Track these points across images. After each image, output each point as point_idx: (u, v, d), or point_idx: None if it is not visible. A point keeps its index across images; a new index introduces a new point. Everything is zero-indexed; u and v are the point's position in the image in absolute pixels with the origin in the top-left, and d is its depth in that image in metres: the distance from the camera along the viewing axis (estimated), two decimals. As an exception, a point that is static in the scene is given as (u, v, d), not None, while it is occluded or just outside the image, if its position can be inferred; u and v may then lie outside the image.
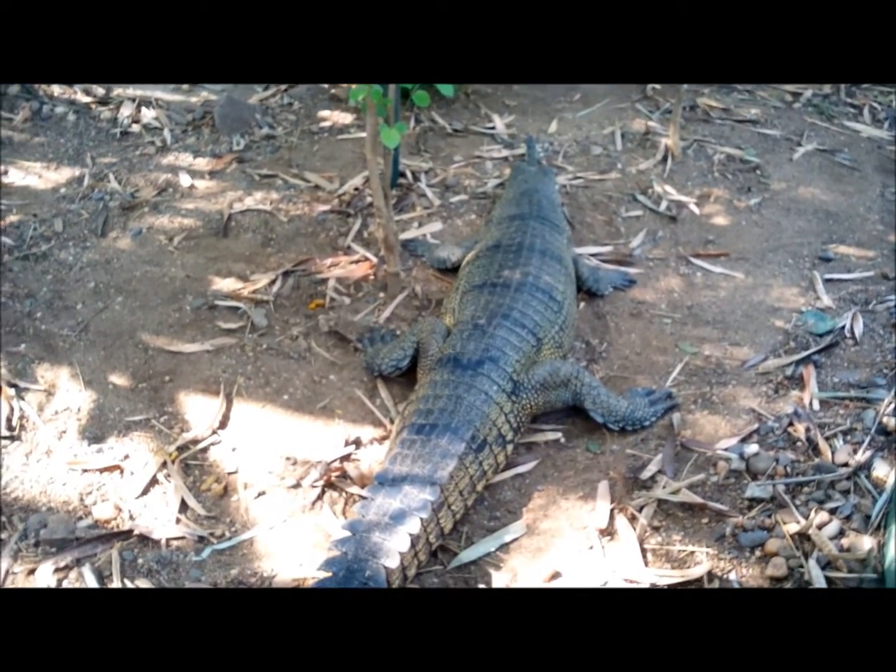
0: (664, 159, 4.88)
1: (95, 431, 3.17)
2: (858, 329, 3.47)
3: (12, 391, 3.26)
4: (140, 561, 2.70)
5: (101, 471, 3.02)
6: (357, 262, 4.07)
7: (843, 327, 3.50)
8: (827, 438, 2.92)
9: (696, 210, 4.48)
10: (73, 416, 3.22)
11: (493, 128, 5.29)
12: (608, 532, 2.76)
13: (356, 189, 4.58)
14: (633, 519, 2.78)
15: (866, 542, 2.47)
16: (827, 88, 5.76)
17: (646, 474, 2.94)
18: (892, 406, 2.97)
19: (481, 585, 2.64)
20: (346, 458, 3.09)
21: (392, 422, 3.22)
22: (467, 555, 2.73)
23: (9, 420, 3.17)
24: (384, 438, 3.17)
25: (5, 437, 3.11)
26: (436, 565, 2.71)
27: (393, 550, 2.45)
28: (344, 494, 2.96)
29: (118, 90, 5.51)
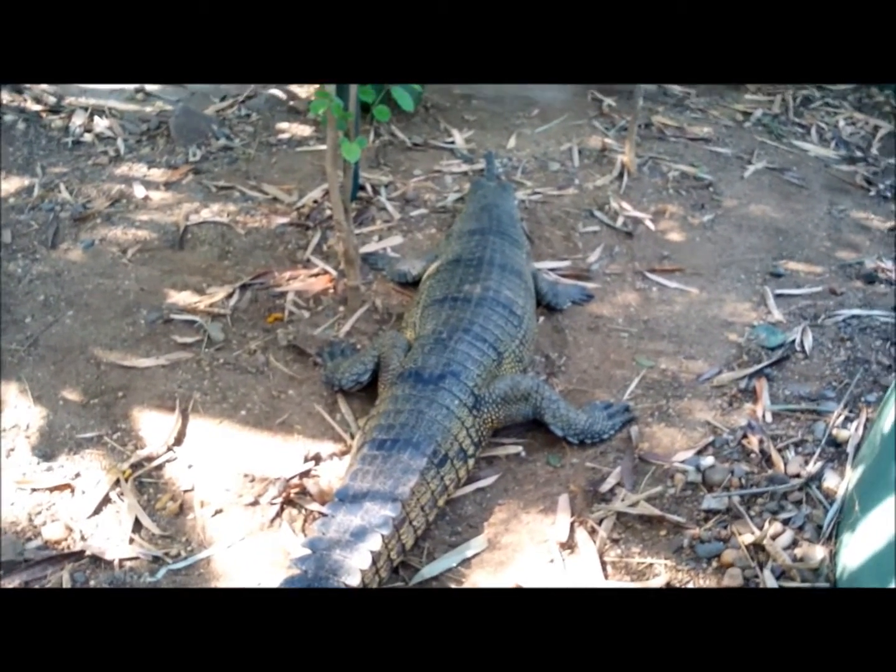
0: (620, 176, 4.96)
1: (45, 449, 3.07)
2: (808, 343, 3.57)
3: (-43, 408, 3.15)
4: (92, 583, 2.62)
5: (52, 490, 2.93)
6: (316, 275, 4.05)
7: (794, 341, 3.59)
8: (779, 450, 2.99)
9: (651, 226, 4.56)
10: (22, 434, 3.12)
11: (452, 142, 5.32)
12: (568, 545, 2.77)
13: (315, 202, 4.55)
14: (592, 532, 2.80)
15: (819, 552, 2.53)
16: (776, 108, 5.95)
17: (605, 487, 2.97)
18: (842, 418, 3.06)
19: (443, 601, 2.63)
20: (306, 474, 3.05)
21: (352, 437, 3.19)
22: (429, 570, 2.72)
23: (-47, 438, 3.06)
24: (344, 454, 3.14)
25: (-51, 456, 3.00)
26: (397, 582, 2.69)
27: (354, 568, 2.43)
28: (303, 511, 2.92)
29: (70, 99, 5.39)
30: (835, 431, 3.01)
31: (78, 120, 5.15)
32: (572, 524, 2.84)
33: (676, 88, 6.17)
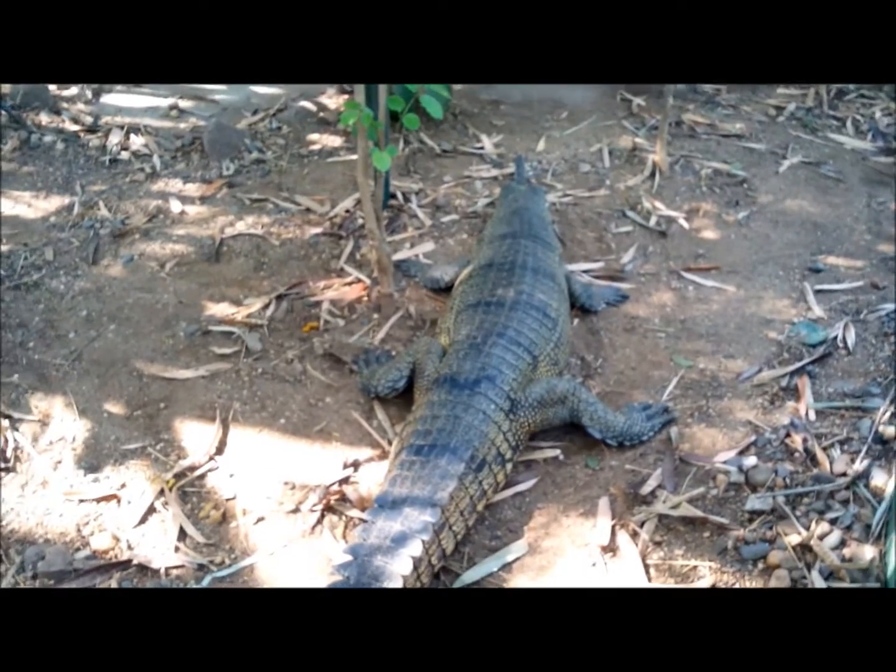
0: (652, 175, 4.92)
1: (91, 461, 3.14)
2: (851, 339, 3.50)
3: (6, 422, 3.23)
4: (139, 591, 2.67)
5: (98, 500, 2.99)
6: (350, 283, 4.08)
7: (836, 337, 3.52)
8: (824, 448, 2.93)
9: (685, 225, 4.52)
10: (69, 446, 3.19)
11: (481, 148, 5.33)
12: (610, 548, 2.75)
13: (347, 211, 4.59)
14: (634, 535, 2.78)
15: (868, 552, 2.48)
16: (810, 101, 5.85)
17: (646, 489, 2.94)
18: (888, 414, 2.99)
19: (485, 606, 2.62)
20: (345, 481, 3.07)
21: (390, 443, 3.20)
22: (470, 575, 2.72)
23: (3, 451, 3.14)
24: (382, 460, 3.16)
25: (0, 469, 3.07)
26: (438, 587, 2.69)
27: (395, 574, 2.44)
28: (344, 518, 2.94)
29: (106, 118, 5.52)
30: (881, 428, 2.94)
31: (114, 138, 5.26)
32: (613, 527, 2.81)
33: (707, 85, 6.10)
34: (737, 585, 2.52)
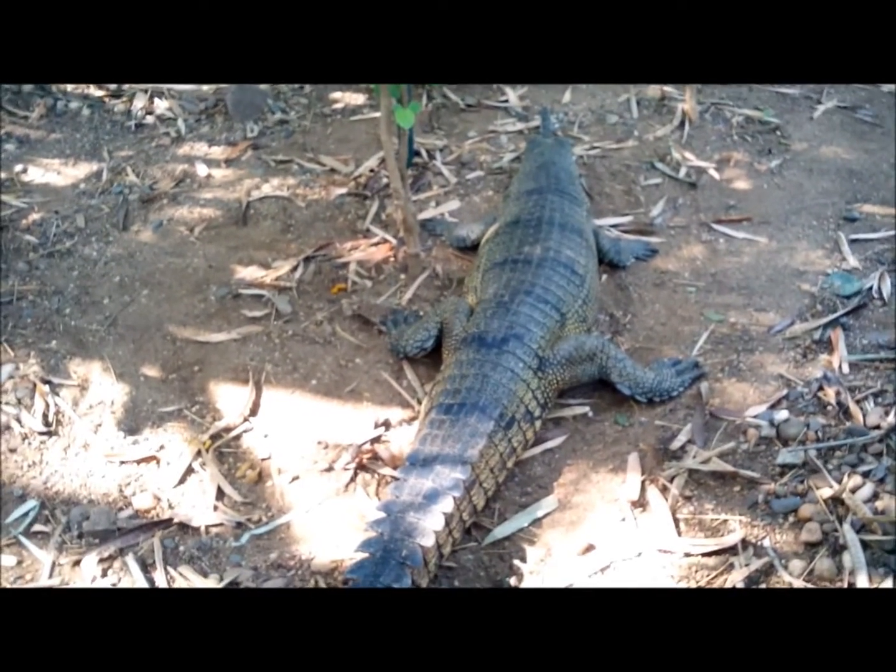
0: (681, 124, 4.81)
1: (130, 423, 3.23)
2: (886, 289, 3.44)
3: (46, 387, 3.32)
4: (181, 548, 2.77)
5: (138, 462, 3.08)
6: (377, 244, 4.08)
7: (871, 288, 3.47)
8: (858, 401, 2.90)
9: (716, 175, 4.42)
10: (108, 410, 3.28)
11: (506, 101, 5.24)
12: (640, 503, 2.77)
13: (372, 170, 4.57)
14: (664, 490, 2.79)
15: (901, 505, 2.46)
16: (846, 43, 5.64)
17: (675, 445, 2.94)
18: (924, 366, 2.95)
19: (516, 561, 2.67)
20: (377, 440, 3.12)
21: (420, 402, 3.24)
22: (501, 531, 2.77)
23: (45, 416, 3.23)
24: (413, 419, 3.20)
25: (43, 433, 3.17)
26: (470, 542, 2.75)
27: (428, 529, 2.49)
28: (376, 476, 3.00)
29: (130, 82, 5.52)
30: (917, 380, 2.91)
31: (139, 103, 5.27)
32: (643, 482, 2.83)
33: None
34: (767, 539, 2.53)
